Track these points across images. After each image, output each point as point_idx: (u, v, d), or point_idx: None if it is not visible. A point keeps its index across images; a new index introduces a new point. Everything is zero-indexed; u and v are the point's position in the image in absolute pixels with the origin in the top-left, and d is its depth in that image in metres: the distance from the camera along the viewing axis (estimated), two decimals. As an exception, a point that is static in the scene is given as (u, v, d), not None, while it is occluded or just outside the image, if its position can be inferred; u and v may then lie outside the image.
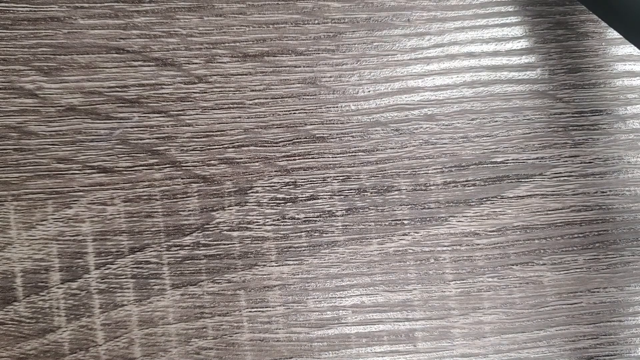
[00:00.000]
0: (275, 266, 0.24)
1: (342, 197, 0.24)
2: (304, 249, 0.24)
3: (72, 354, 0.23)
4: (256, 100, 0.24)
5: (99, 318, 0.23)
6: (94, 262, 0.23)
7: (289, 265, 0.24)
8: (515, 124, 0.25)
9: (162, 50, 0.24)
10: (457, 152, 0.25)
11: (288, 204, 0.24)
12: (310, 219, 0.24)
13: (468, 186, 0.25)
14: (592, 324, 0.25)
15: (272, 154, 0.24)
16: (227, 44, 0.24)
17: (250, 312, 0.24)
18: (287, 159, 0.24)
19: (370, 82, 0.25)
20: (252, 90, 0.24)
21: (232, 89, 0.24)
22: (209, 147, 0.24)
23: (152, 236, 0.24)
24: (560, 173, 0.25)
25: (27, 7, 0.23)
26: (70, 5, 0.23)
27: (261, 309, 0.24)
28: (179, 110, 0.24)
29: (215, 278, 0.24)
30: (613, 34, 0.26)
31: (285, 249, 0.24)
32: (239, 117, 0.24)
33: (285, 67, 0.24)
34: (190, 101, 0.24)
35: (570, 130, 0.25)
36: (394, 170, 0.25)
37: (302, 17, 0.24)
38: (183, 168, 0.24)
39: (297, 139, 0.24)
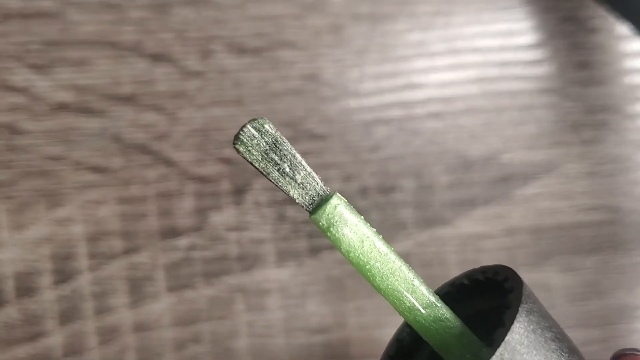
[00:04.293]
0: (274, 268, 0.24)
1: (343, 197, 0.24)
2: (303, 250, 0.24)
3: (64, 358, 0.23)
4: (254, 97, 0.24)
5: (92, 322, 0.23)
6: (86, 264, 0.23)
7: (288, 267, 0.24)
8: (522, 122, 0.25)
9: (157, 46, 0.24)
10: (463, 151, 0.25)
11: (287, 204, 0.24)
12: (311, 219, 0.24)
13: (474, 186, 0.25)
14: (600, 327, 0.25)
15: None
16: (224, 39, 0.24)
17: (247, 316, 0.24)
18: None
19: (373, 78, 0.25)
20: (250, 87, 0.24)
21: (229, 86, 0.24)
22: (205, 146, 0.24)
23: (147, 237, 0.24)
24: (568, 172, 0.25)
25: (19, 2, 0.23)
26: (64, 1, 0.23)
27: (259, 313, 0.24)
28: (174, 108, 0.24)
29: (212, 281, 0.24)
30: (622, 30, 0.26)
31: (285, 251, 0.24)
32: (237, 115, 0.24)
33: (285, 62, 0.24)
34: (186, 98, 0.24)
35: (579, 129, 0.26)
36: (397, 170, 0.25)
37: (302, 11, 0.24)
38: (178, 167, 0.24)
39: (296, 137, 0.24)
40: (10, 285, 0.23)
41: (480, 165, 0.25)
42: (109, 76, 0.24)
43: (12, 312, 0.23)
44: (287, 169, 0.13)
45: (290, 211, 0.24)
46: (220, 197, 0.24)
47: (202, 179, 0.24)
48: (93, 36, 0.23)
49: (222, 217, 0.24)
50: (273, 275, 0.24)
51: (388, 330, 0.24)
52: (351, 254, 0.13)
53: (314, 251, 0.24)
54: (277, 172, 0.13)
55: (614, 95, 0.26)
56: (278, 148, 0.13)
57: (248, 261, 0.24)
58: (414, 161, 0.25)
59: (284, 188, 0.13)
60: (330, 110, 0.24)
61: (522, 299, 0.14)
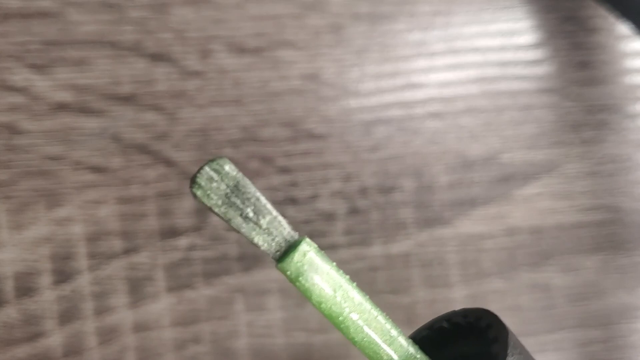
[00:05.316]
0: (274, 268, 0.24)
1: (343, 197, 0.24)
2: None
3: (64, 358, 0.23)
4: (254, 97, 0.24)
5: (92, 322, 0.23)
6: (86, 264, 0.23)
7: None
8: (522, 122, 0.25)
9: (157, 46, 0.24)
10: (463, 151, 0.25)
11: (286, 204, 0.24)
12: (310, 219, 0.24)
13: (474, 186, 0.25)
14: (601, 327, 0.25)
15: (270, 152, 0.24)
16: (223, 39, 0.24)
17: (247, 316, 0.24)
18: (286, 157, 0.24)
19: (373, 78, 0.25)
20: (250, 87, 0.24)
21: (229, 85, 0.24)
22: (205, 146, 0.24)
23: (146, 237, 0.23)
24: (568, 172, 0.25)
25: (19, 2, 0.23)
26: (63, 1, 0.23)
27: (259, 313, 0.24)
28: (174, 107, 0.24)
29: (212, 281, 0.24)
30: (622, 30, 0.26)
31: None
32: (236, 115, 0.24)
33: (285, 62, 0.24)
34: (186, 98, 0.24)
35: (579, 129, 0.26)
36: (397, 170, 0.25)
37: (302, 10, 0.24)
38: (178, 167, 0.24)
39: (296, 137, 0.24)
40: (10, 285, 0.23)
41: (480, 165, 0.25)
42: (108, 76, 0.23)
43: (11, 312, 0.23)
44: (251, 214, 0.12)
45: (290, 211, 0.24)
46: (220, 197, 0.24)
47: (202, 179, 0.24)
48: (93, 36, 0.23)
49: (222, 217, 0.24)
50: (273, 275, 0.24)
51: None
52: (322, 305, 0.12)
53: (314, 251, 0.24)
54: (239, 218, 0.12)
55: (614, 95, 0.26)
56: (240, 191, 0.12)
57: (248, 261, 0.24)
58: (414, 161, 0.25)
59: (248, 234, 0.12)
60: (330, 110, 0.24)
61: (509, 351, 0.13)
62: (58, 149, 0.23)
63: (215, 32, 0.24)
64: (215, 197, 0.12)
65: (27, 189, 0.23)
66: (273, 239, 0.12)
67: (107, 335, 0.23)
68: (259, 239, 0.12)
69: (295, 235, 0.13)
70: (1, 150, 0.23)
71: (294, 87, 0.24)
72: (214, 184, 0.12)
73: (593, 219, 0.25)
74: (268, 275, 0.24)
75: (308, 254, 0.12)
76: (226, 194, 0.12)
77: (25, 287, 0.23)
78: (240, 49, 0.24)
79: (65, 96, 0.23)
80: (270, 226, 0.12)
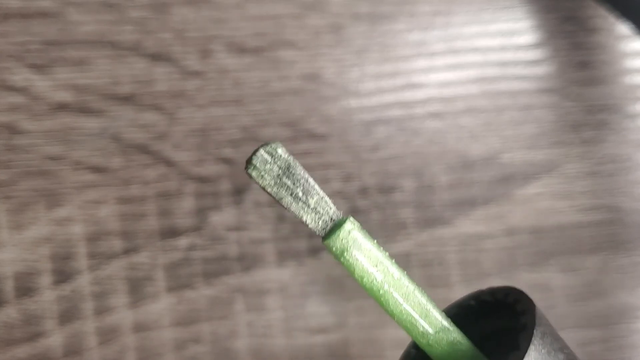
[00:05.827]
0: (274, 268, 0.24)
1: (343, 197, 0.24)
2: (303, 250, 0.24)
3: (64, 358, 0.23)
4: (254, 97, 0.24)
5: (92, 322, 0.23)
6: (86, 264, 0.23)
7: (288, 267, 0.24)
8: (522, 122, 0.25)
9: (157, 46, 0.24)
10: (463, 151, 0.25)
11: None
12: (311, 219, 0.24)
13: (474, 186, 0.25)
14: (601, 327, 0.25)
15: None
16: (224, 39, 0.24)
17: (247, 316, 0.24)
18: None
19: (373, 78, 0.24)
20: (250, 87, 0.24)
21: (229, 85, 0.24)
22: (205, 146, 0.24)
23: (146, 237, 0.23)
24: (568, 172, 0.25)
25: (19, 2, 0.23)
26: (63, 1, 0.23)
27: (259, 313, 0.24)
28: (174, 107, 0.24)
29: (212, 281, 0.24)
30: (622, 30, 0.26)
31: (284, 251, 0.24)
32: (236, 115, 0.24)
33: (285, 62, 0.24)
34: (186, 98, 0.24)
35: (579, 129, 0.25)
36: (397, 170, 0.25)
37: (302, 10, 0.24)
38: (178, 167, 0.24)
39: (296, 137, 0.24)
40: (10, 285, 0.23)
41: (480, 165, 0.25)
42: (108, 76, 0.23)
43: (12, 312, 0.23)
44: (300, 194, 0.13)
45: (290, 211, 0.24)
46: (220, 197, 0.24)
47: (202, 179, 0.24)
48: (93, 36, 0.23)
49: (222, 217, 0.24)
50: (273, 275, 0.24)
51: (388, 330, 0.24)
52: (365, 279, 0.13)
53: (314, 251, 0.24)
54: (290, 197, 0.13)
55: (614, 95, 0.26)
56: (291, 172, 0.13)
57: (248, 261, 0.24)
58: (414, 161, 0.25)
59: (297, 213, 0.13)
60: (331, 110, 0.24)
61: (536, 321, 0.14)
62: (58, 149, 0.23)
63: (215, 32, 0.24)
64: (268, 178, 0.13)
65: (27, 189, 0.23)
66: (320, 218, 0.13)
67: (107, 335, 0.23)
68: (307, 217, 0.13)
69: (340, 215, 0.13)
70: (1, 150, 0.23)
71: (294, 87, 0.24)
72: (268, 166, 0.13)
73: (593, 219, 0.25)
74: (268, 275, 0.24)
75: (352, 231, 0.13)
76: (278, 175, 0.13)
77: (25, 287, 0.23)
78: (240, 49, 0.24)
79: (65, 96, 0.23)
80: (318, 205, 0.13)
